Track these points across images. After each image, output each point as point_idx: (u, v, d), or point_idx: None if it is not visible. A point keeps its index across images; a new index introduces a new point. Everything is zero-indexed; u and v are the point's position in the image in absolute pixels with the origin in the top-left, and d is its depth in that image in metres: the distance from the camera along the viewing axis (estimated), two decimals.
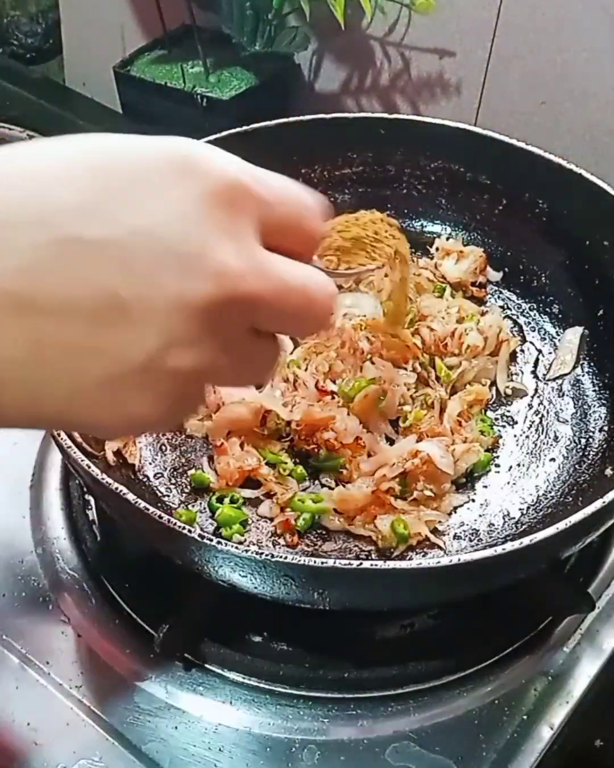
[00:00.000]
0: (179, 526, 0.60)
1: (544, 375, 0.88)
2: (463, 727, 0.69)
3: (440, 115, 0.95)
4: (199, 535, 0.59)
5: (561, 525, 0.60)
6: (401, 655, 0.73)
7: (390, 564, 0.60)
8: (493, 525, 0.76)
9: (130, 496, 0.62)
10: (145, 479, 0.79)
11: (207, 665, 0.73)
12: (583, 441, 0.82)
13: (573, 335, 0.89)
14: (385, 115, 0.95)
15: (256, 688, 0.72)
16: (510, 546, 0.59)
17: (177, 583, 0.70)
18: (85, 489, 0.84)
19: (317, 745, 0.68)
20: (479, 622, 0.75)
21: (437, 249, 0.97)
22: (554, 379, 0.88)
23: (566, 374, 0.88)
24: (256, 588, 0.62)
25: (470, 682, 0.71)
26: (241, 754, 0.68)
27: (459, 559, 0.58)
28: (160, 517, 0.60)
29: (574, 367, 0.88)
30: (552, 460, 0.81)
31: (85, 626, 0.75)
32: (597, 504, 0.61)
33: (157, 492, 0.78)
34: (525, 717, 0.69)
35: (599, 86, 1.02)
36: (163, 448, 0.82)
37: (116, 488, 0.62)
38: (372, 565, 0.58)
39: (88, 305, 0.33)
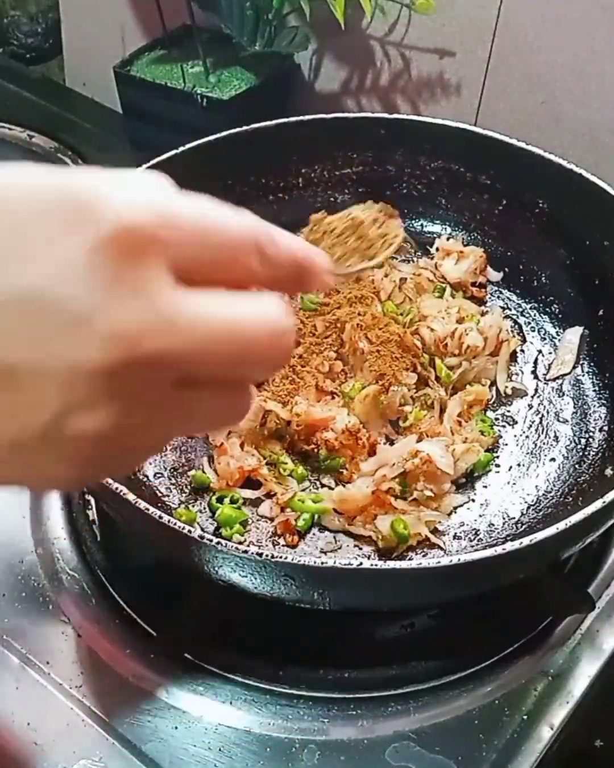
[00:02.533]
0: (179, 526, 0.60)
1: (544, 375, 0.88)
2: (463, 727, 0.68)
3: (440, 115, 0.95)
4: (199, 535, 0.59)
5: (561, 525, 0.60)
6: (401, 655, 0.73)
7: (390, 564, 0.60)
8: (493, 525, 0.76)
9: (130, 496, 0.62)
10: (145, 479, 0.79)
11: (207, 665, 0.73)
12: (583, 441, 0.82)
13: (573, 335, 0.89)
14: (385, 115, 0.95)
15: (256, 688, 0.72)
16: (510, 546, 0.59)
17: (177, 583, 0.70)
18: (84, 489, 0.84)
19: (317, 745, 0.68)
20: (479, 622, 0.75)
21: (437, 249, 0.97)
22: (554, 379, 0.88)
23: (566, 374, 0.88)
24: (256, 588, 0.62)
25: (470, 682, 0.71)
26: (241, 754, 0.68)
27: (459, 559, 0.58)
28: (160, 517, 0.60)
29: (574, 367, 0.88)
30: (552, 460, 0.81)
31: (85, 626, 0.75)
32: (597, 504, 0.61)
33: (157, 492, 0.78)
34: (525, 717, 0.69)
35: (599, 86, 1.02)
36: (163, 448, 0.82)
37: (116, 488, 0.62)
38: (372, 565, 0.58)
39: None
